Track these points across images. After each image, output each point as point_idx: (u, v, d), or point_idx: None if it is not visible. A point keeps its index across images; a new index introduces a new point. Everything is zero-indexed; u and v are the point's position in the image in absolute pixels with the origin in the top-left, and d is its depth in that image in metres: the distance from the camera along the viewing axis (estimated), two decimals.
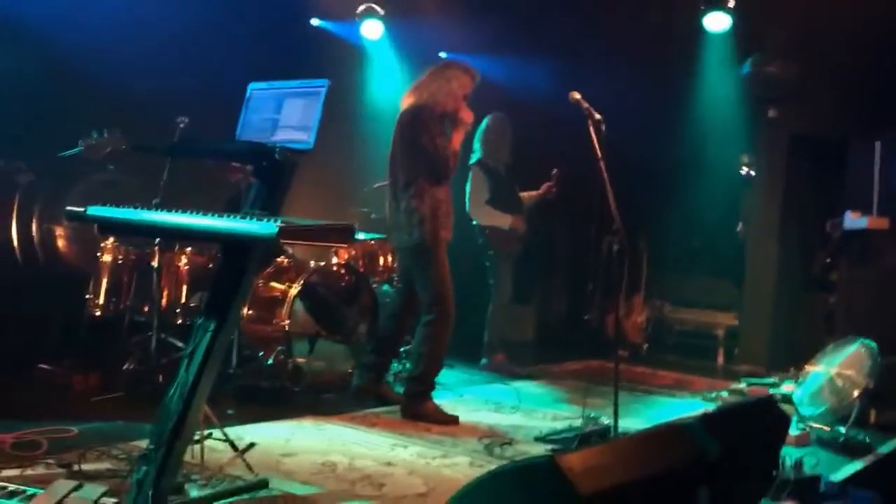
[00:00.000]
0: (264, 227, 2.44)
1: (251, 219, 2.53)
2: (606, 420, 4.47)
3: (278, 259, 5.33)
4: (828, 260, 6.77)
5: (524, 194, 6.64)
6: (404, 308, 5.09)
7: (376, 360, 5.09)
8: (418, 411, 4.73)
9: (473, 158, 6.46)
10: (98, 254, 5.11)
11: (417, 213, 4.74)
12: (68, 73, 5.21)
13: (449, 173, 4.82)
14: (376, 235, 6.04)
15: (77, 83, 5.19)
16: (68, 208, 2.99)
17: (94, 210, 2.88)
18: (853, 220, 5.93)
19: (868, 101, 6.52)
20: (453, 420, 4.72)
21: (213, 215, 2.57)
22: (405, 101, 4.92)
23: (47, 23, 5.11)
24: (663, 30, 6.91)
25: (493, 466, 3.53)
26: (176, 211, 2.66)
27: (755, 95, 7.39)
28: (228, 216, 2.57)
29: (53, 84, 5.16)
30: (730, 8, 6.78)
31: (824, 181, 6.88)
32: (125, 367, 4.81)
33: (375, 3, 7.26)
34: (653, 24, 6.82)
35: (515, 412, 5.09)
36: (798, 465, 3.39)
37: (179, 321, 5.09)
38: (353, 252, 5.83)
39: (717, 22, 6.88)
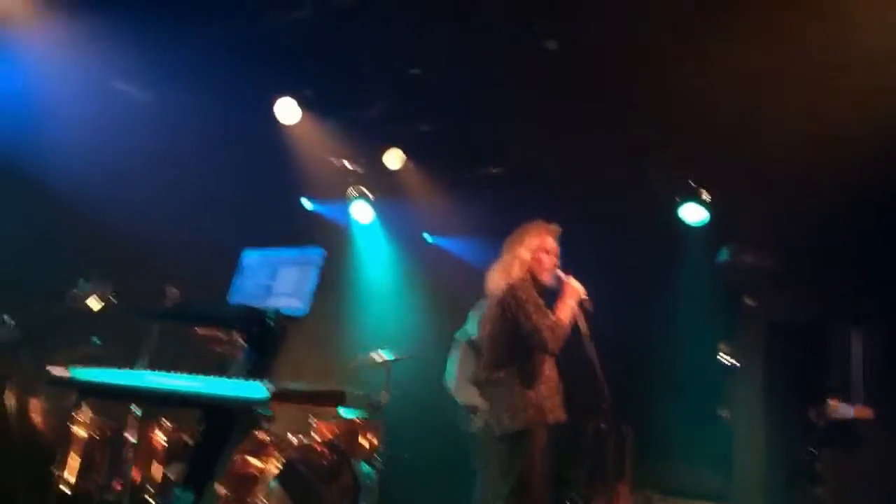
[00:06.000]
0: (255, 389, 2.41)
1: (240, 382, 2.50)
2: None
3: (257, 433, 5.18)
4: (812, 450, 6.66)
5: None
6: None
7: None
8: None
9: (464, 336, 6.31)
10: (71, 427, 4.94)
11: (524, 398, 4.44)
12: (62, 227, 5.29)
13: (549, 347, 4.50)
14: (358, 413, 5.92)
15: (72, 236, 5.27)
16: (50, 371, 2.94)
17: (78, 372, 2.84)
18: (838, 409, 5.90)
19: (845, 287, 6.67)
20: None
21: (201, 378, 2.54)
22: (498, 279, 4.72)
23: (41, 177, 5.24)
24: (642, 220, 7.15)
25: None
26: (163, 372, 2.63)
27: (732, 283, 7.54)
28: (218, 379, 2.53)
29: (43, 239, 5.22)
30: (705, 201, 7.05)
31: (805, 367, 6.91)
32: None
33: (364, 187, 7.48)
34: (632, 214, 7.06)
35: None
36: None
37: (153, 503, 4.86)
38: (335, 430, 5.70)
39: (693, 213, 7.13)
